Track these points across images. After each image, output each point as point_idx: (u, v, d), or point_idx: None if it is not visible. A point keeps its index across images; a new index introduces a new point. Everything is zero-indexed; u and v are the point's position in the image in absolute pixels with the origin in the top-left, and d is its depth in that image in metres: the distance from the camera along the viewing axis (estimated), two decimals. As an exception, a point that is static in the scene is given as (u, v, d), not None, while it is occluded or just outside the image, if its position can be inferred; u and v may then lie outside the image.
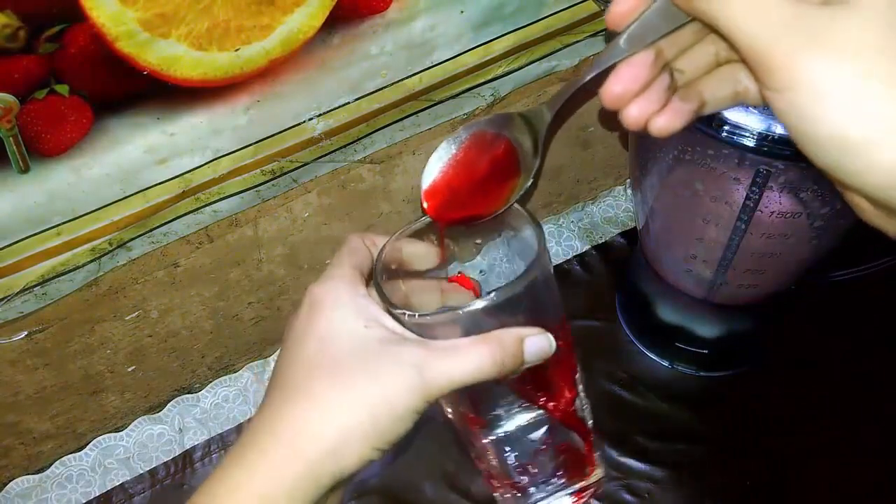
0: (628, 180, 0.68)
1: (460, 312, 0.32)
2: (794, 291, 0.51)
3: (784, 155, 0.37)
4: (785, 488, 0.52)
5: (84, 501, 0.54)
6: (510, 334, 0.32)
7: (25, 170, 0.39)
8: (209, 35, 0.39)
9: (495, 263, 0.44)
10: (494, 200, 0.36)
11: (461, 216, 0.37)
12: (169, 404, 0.58)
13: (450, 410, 0.40)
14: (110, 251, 0.46)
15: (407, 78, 0.48)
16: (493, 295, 0.32)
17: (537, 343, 0.33)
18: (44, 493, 0.54)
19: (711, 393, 0.56)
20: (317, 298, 0.33)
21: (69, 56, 0.37)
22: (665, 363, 0.58)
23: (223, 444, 0.56)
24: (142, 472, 0.55)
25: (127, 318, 0.51)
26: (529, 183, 0.36)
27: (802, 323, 0.58)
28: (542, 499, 0.42)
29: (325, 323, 0.32)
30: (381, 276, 0.35)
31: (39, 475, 0.55)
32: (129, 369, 0.54)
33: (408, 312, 0.33)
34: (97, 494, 0.54)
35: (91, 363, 0.52)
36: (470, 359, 0.31)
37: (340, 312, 0.32)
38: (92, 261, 0.45)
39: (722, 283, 0.48)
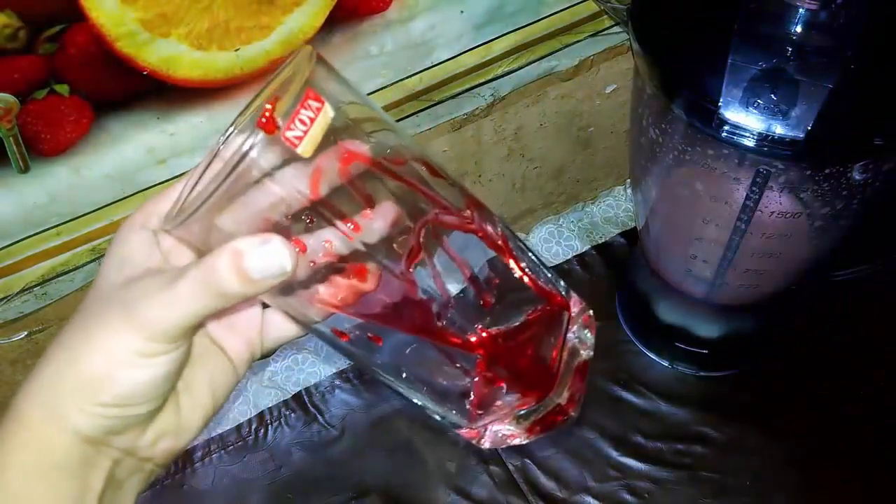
0: (628, 180, 0.68)
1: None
2: (794, 291, 0.51)
3: (784, 155, 0.37)
4: (785, 488, 0.52)
5: (84, 501, 0.54)
6: (223, 252, 0.24)
7: (25, 170, 0.39)
8: (209, 35, 0.39)
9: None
10: None
11: None
12: (169, 404, 0.58)
13: None
14: (110, 251, 0.46)
15: (407, 78, 0.48)
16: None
17: (262, 253, 0.24)
18: (44, 493, 0.54)
19: (711, 393, 0.56)
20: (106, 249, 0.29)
21: (69, 56, 0.37)
22: (665, 363, 0.58)
23: (223, 444, 0.56)
24: (142, 471, 0.55)
25: (127, 318, 0.51)
26: None
27: (802, 323, 0.58)
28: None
29: (96, 279, 0.28)
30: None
31: (39, 475, 0.55)
32: (129, 369, 0.54)
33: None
34: (97, 494, 0.54)
35: (91, 363, 0.52)
36: (180, 296, 0.25)
37: (107, 261, 0.28)
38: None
39: (722, 284, 0.48)
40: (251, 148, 0.23)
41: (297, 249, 0.25)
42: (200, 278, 0.25)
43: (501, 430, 0.33)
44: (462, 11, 0.47)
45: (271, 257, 0.24)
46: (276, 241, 0.24)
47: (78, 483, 0.26)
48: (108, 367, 0.26)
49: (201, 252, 0.26)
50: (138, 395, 0.26)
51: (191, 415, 0.29)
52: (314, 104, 0.24)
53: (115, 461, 0.27)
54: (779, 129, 0.36)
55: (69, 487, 0.26)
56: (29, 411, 0.26)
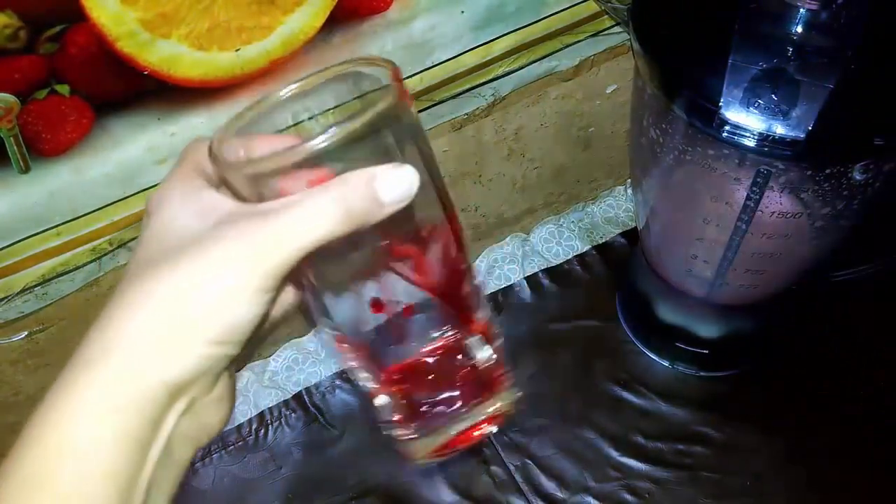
0: (629, 180, 0.68)
1: (307, 147, 0.25)
2: (794, 291, 0.51)
3: (785, 155, 0.37)
4: (785, 488, 0.52)
5: (84, 501, 0.54)
6: (356, 173, 0.26)
7: (26, 170, 0.39)
8: (210, 35, 0.39)
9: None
10: None
11: None
12: (169, 404, 0.58)
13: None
14: (111, 251, 0.46)
15: (407, 78, 0.48)
16: (345, 123, 0.26)
17: (395, 177, 0.26)
18: (44, 493, 0.54)
19: (711, 393, 0.56)
20: (151, 205, 0.28)
21: (70, 56, 0.37)
22: (665, 363, 0.58)
23: (223, 444, 0.56)
24: (142, 471, 0.55)
25: (127, 318, 0.51)
26: None
27: (803, 323, 0.58)
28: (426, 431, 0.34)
29: (158, 225, 0.27)
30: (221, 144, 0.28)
31: (40, 475, 0.54)
32: (130, 369, 0.54)
33: (240, 161, 0.27)
34: (97, 494, 0.54)
35: (91, 363, 0.52)
36: (308, 211, 0.25)
37: (172, 211, 0.28)
38: (92, 261, 0.45)
39: (722, 284, 0.48)
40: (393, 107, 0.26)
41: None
42: (327, 197, 0.25)
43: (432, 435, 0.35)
44: (462, 11, 0.47)
45: (402, 181, 0.26)
46: (408, 167, 0.26)
47: (145, 436, 0.26)
48: (221, 303, 0.26)
49: (240, 196, 0.28)
50: (239, 333, 0.26)
51: (226, 392, 0.30)
52: None
53: (174, 428, 0.27)
54: (779, 130, 0.36)
55: (137, 438, 0.26)
56: (103, 361, 0.26)
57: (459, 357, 0.34)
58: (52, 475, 0.25)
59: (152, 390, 0.25)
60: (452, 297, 0.33)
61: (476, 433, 0.34)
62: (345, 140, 0.26)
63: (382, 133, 0.27)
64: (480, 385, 0.34)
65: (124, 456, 0.25)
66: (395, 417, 0.35)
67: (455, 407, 0.34)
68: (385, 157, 0.27)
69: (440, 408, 0.34)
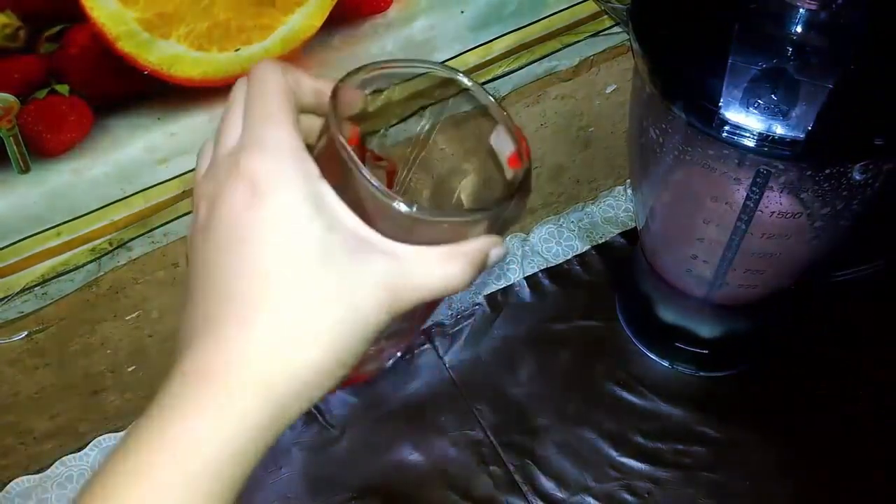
0: (628, 180, 0.68)
1: (476, 216, 0.28)
2: (794, 291, 0.51)
3: (784, 155, 0.37)
4: (785, 488, 0.52)
5: (84, 501, 0.54)
6: (478, 247, 0.28)
7: (26, 170, 0.39)
8: (209, 35, 0.39)
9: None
10: None
11: None
12: (169, 404, 0.58)
13: None
14: (110, 251, 0.46)
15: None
16: (510, 203, 0.28)
17: (499, 255, 0.29)
18: (44, 493, 0.54)
19: (711, 393, 0.56)
20: (258, 179, 0.25)
21: (69, 56, 0.37)
22: (665, 363, 0.58)
23: (223, 443, 0.56)
24: (142, 471, 0.55)
25: (127, 318, 0.51)
26: None
27: (802, 323, 0.58)
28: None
29: (275, 220, 0.24)
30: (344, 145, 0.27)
31: (40, 475, 0.54)
32: (130, 369, 0.54)
33: (406, 205, 0.26)
34: (97, 494, 0.54)
35: (91, 363, 0.52)
36: (441, 274, 0.27)
37: (293, 207, 0.24)
38: (92, 261, 0.45)
39: (722, 284, 0.48)
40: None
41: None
42: (458, 266, 0.27)
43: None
44: (462, 11, 0.47)
45: (502, 254, 0.29)
46: (506, 243, 0.30)
47: (258, 453, 0.25)
48: (349, 330, 0.25)
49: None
50: (353, 360, 0.26)
51: None
52: None
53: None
54: (779, 130, 0.36)
55: (253, 457, 0.25)
56: (224, 374, 0.24)
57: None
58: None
59: (284, 422, 0.25)
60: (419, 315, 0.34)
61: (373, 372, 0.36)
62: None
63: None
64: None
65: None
66: None
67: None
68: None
69: None
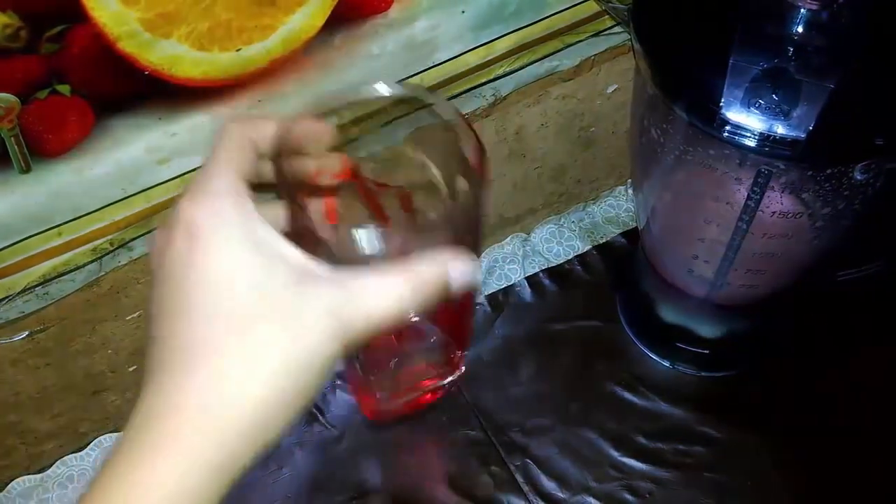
0: (629, 180, 0.68)
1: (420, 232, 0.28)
2: (795, 291, 0.51)
3: (785, 155, 0.37)
4: (786, 488, 0.52)
5: (85, 501, 0.54)
6: (431, 262, 0.27)
7: (27, 170, 0.39)
8: (210, 35, 0.39)
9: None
10: None
11: None
12: (170, 404, 0.58)
13: None
14: (111, 251, 0.46)
15: (408, 78, 0.48)
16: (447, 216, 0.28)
17: (460, 269, 0.28)
18: (45, 493, 0.54)
19: (711, 393, 0.56)
20: (196, 224, 0.25)
21: (71, 56, 0.37)
22: (666, 363, 0.58)
23: (224, 443, 0.56)
24: (143, 471, 0.55)
25: (128, 318, 0.51)
26: None
27: (802, 323, 0.58)
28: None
29: (213, 262, 0.25)
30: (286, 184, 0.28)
31: (41, 475, 0.55)
32: (131, 369, 0.54)
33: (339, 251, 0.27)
34: (98, 494, 0.54)
35: (92, 363, 0.52)
36: (395, 295, 0.26)
37: (230, 246, 0.25)
38: (93, 261, 0.45)
39: (723, 284, 0.48)
40: None
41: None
42: (404, 284, 0.26)
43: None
44: (463, 11, 0.47)
45: (468, 273, 0.28)
46: (477, 261, 0.28)
47: (221, 490, 0.26)
48: (306, 371, 0.25)
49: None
50: (315, 395, 0.26)
51: None
52: None
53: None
54: (780, 130, 0.36)
55: (216, 495, 0.26)
56: (174, 417, 0.25)
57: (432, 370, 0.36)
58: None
59: (242, 463, 0.26)
60: (452, 331, 0.35)
61: (424, 401, 0.37)
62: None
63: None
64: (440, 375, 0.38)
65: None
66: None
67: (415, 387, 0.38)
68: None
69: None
